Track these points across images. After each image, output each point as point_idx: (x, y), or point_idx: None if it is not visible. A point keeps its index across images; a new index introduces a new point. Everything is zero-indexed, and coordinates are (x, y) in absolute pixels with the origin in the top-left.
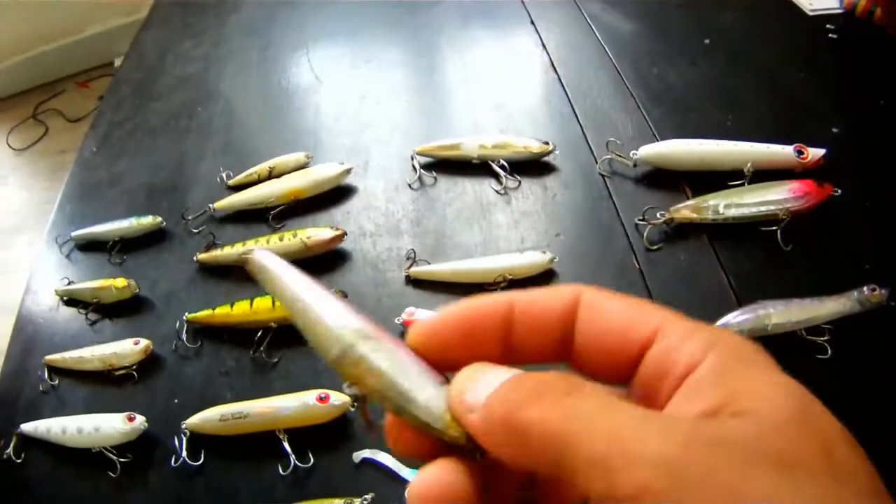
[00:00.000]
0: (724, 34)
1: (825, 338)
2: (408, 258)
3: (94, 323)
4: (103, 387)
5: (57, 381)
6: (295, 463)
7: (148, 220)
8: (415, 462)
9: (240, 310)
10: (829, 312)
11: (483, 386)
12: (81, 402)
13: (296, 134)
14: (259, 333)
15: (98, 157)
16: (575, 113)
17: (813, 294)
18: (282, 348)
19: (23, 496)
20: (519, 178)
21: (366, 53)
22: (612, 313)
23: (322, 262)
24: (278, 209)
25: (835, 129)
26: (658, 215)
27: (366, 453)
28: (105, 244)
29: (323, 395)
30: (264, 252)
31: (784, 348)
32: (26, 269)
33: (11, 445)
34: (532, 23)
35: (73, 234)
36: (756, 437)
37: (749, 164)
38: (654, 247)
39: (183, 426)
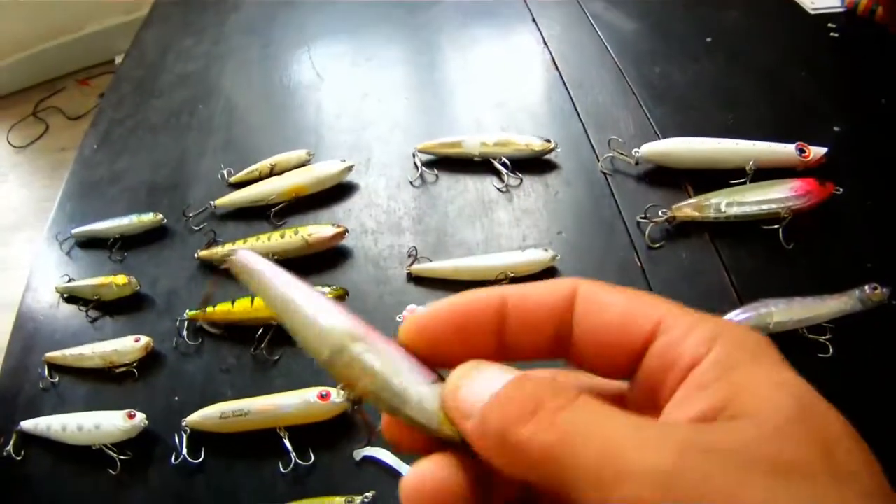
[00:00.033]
0: (726, 33)
1: (826, 336)
2: (409, 256)
3: (94, 320)
4: (103, 384)
5: (57, 379)
6: (296, 461)
7: (149, 218)
8: (415, 459)
9: (241, 307)
10: (830, 311)
11: (477, 389)
12: (81, 399)
13: (297, 131)
14: (260, 331)
15: (99, 155)
16: (577, 111)
17: (814, 293)
18: (282, 346)
19: (23, 494)
20: (520, 175)
21: (367, 51)
22: (611, 306)
23: (323, 260)
24: (279, 206)
25: (836, 128)
26: (660, 213)
27: (367, 451)
28: (106, 241)
29: (324, 393)
30: (247, 252)
31: (785, 347)
32: (26, 267)
33: (11, 443)
34: (534, 20)
35: (74, 231)
36: (753, 441)
37: (751, 163)
38: (656, 245)
39: (183, 424)
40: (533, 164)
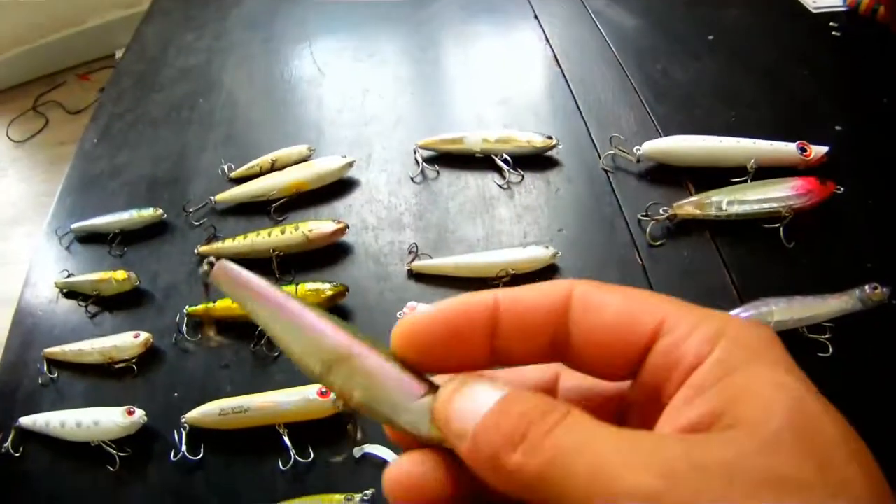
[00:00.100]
0: (728, 31)
1: (826, 336)
2: (410, 252)
3: (93, 316)
4: (103, 380)
5: (56, 374)
6: (295, 458)
7: (149, 213)
8: None
9: None
10: (830, 310)
11: (468, 409)
12: (80, 395)
13: (298, 126)
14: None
15: (99, 149)
16: (578, 108)
17: (815, 292)
18: None
19: (21, 490)
20: (522, 172)
21: (369, 47)
22: (609, 307)
23: (324, 256)
24: (280, 202)
25: (838, 127)
26: (661, 211)
27: (366, 448)
28: (105, 236)
29: (323, 390)
30: (229, 263)
31: (786, 346)
32: (25, 261)
33: (10, 439)
34: (536, 17)
35: (73, 226)
36: (746, 454)
37: (752, 161)
38: (657, 243)
39: (182, 420)
40: (534, 160)
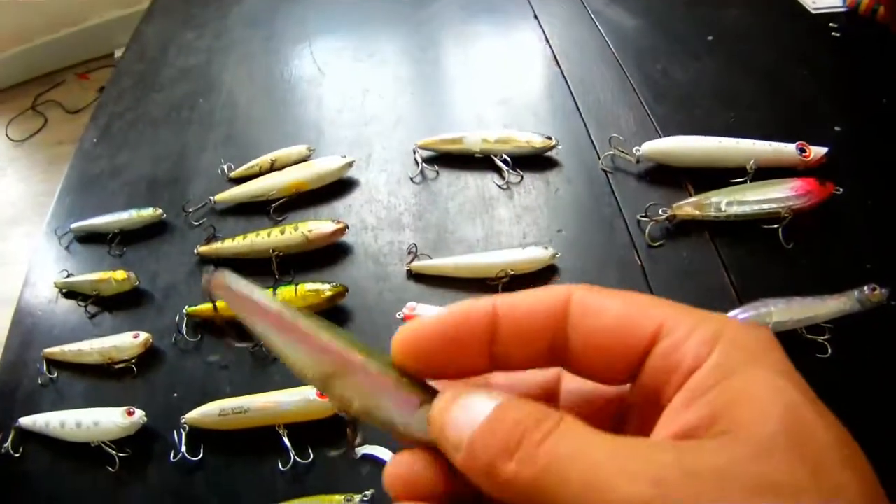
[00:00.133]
0: (727, 31)
1: (825, 336)
2: (409, 252)
3: (93, 316)
4: (102, 380)
5: (56, 375)
6: (295, 458)
7: (148, 213)
8: None
9: None
10: (829, 311)
11: (463, 420)
12: (80, 395)
13: (298, 126)
14: None
15: (99, 149)
16: (578, 108)
17: (814, 292)
18: None
19: (21, 490)
20: (521, 172)
21: (369, 47)
22: (608, 312)
23: (323, 256)
24: (280, 202)
25: (837, 128)
26: (660, 212)
27: (366, 449)
28: (105, 236)
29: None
30: (229, 273)
31: (784, 347)
32: (24, 261)
33: (10, 439)
34: (535, 17)
35: (73, 225)
36: (739, 460)
37: (751, 162)
38: (656, 243)
39: (182, 421)
40: (534, 161)
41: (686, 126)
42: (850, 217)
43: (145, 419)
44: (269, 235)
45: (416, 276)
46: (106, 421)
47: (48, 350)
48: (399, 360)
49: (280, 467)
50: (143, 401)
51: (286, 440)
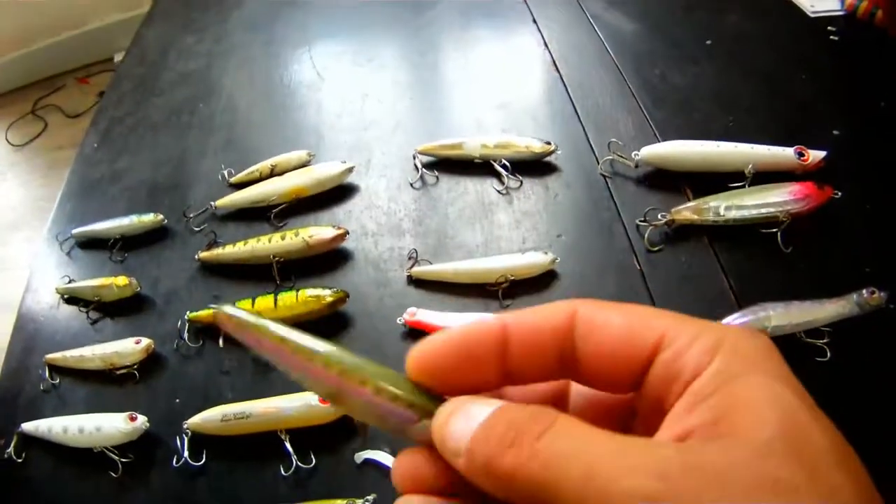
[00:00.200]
0: (726, 35)
1: (824, 340)
2: (409, 258)
3: (94, 321)
4: (104, 386)
5: (58, 380)
6: (297, 464)
7: (149, 218)
8: None
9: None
10: (828, 315)
11: (462, 426)
12: (82, 401)
13: (298, 131)
14: None
15: (99, 154)
16: (577, 113)
17: (812, 296)
18: None
19: (23, 496)
20: (521, 177)
21: (368, 51)
22: (612, 325)
23: (324, 262)
24: (280, 207)
25: (835, 132)
26: (659, 216)
27: (368, 454)
28: (106, 242)
29: None
30: (228, 310)
31: (783, 351)
32: (24, 266)
33: (12, 445)
34: (534, 22)
35: (74, 231)
36: (737, 461)
37: (750, 166)
38: (655, 248)
39: (184, 426)
40: (533, 166)
41: (685, 130)
42: (849, 221)
43: (147, 425)
44: (269, 241)
45: (417, 282)
46: (108, 426)
47: (50, 356)
48: (414, 376)
49: (282, 472)
50: (146, 406)
51: (288, 445)
